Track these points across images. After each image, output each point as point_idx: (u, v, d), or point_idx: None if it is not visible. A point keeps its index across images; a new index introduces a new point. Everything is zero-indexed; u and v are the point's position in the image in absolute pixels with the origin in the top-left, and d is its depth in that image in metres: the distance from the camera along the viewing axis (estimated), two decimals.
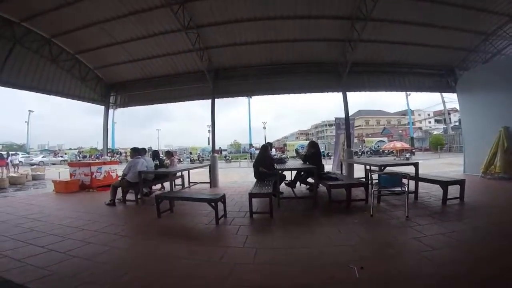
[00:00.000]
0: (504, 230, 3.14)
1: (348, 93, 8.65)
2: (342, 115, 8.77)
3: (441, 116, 46.03)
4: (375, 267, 2.33)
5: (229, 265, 2.48)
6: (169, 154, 8.36)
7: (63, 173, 9.88)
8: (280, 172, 5.32)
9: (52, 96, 9.08)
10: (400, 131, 42.74)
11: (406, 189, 3.84)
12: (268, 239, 3.22)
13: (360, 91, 9.52)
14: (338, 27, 7.53)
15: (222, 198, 4.19)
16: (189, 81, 9.57)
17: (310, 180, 5.90)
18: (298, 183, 6.14)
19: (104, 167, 8.29)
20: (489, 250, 2.59)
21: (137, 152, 6.10)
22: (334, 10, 6.99)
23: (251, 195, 4.23)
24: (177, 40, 7.92)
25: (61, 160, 30.88)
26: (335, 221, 3.79)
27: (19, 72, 7.71)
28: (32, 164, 22.71)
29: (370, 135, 45.12)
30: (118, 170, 8.46)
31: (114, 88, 10.68)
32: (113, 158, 16.01)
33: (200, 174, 8.73)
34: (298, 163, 6.64)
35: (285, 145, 36.23)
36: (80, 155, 33.37)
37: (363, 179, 6.52)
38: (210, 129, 9.37)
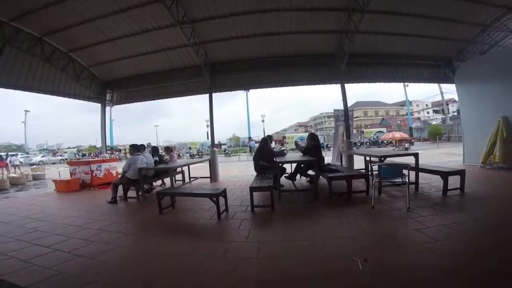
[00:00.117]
0: (504, 220, 3.15)
1: (346, 85, 8.61)
2: (341, 107, 8.75)
3: (439, 107, 46.08)
4: (378, 259, 2.35)
5: (232, 260, 2.49)
6: (169, 149, 8.32)
7: (63, 172, 9.88)
8: (280, 165, 5.32)
9: (48, 96, 9.02)
10: (399, 122, 42.85)
11: (407, 180, 3.84)
12: (270, 232, 3.24)
13: (358, 82, 9.52)
14: (334, 18, 7.45)
15: (223, 193, 4.19)
16: (185, 76, 9.49)
17: (310, 172, 5.92)
18: (298, 175, 6.16)
19: (104, 164, 8.28)
20: (489, 242, 2.60)
21: (136, 148, 6.08)
22: (330, 1, 6.91)
23: (252, 189, 4.24)
24: (172, 36, 7.82)
25: (60, 159, 30.84)
26: (336, 213, 3.81)
27: (11, 73, 7.61)
28: (31, 164, 22.66)
29: (368, 126, 45.22)
30: (118, 168, 8.45)
31: (109, 86, 10.58)
32: (112, 156, 16.03)
33: (200, 169, 8.74)
34: (297, 155, 6.64)
35: (284, 137, 36.27)
36: (79, 154, 33.38)
37: (363, 170, 6.54)
38: (209, 123, 9.34)
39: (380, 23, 7.66)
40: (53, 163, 27.97)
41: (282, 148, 18.09)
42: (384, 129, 33.97)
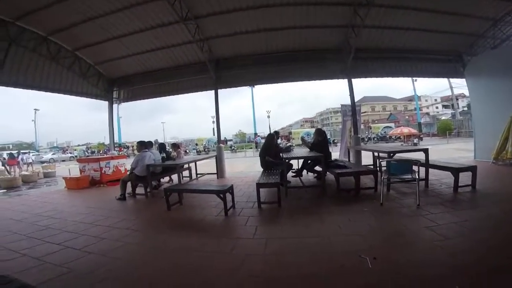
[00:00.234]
0: None
1: (353, 80, 8.49)
2: (348, 102, 8.65)
3: (449, 102, 45.14)
4: (387, 257, 2.32)
5: (240, 256, 2.50)
6: (176, 146, 8.40)
7: (73, 169, 10.05)
8: (287, 161, 5.30)
9: (55, 94, 9.14)
10: (407, 117, 42.10)
11: (417, 177, 3.77)
12: (277, 229, 3.24)
13: (365, 77, 9.34)
14: (340, 13, 7.31)
15: (230, 189, 4.19)
16: (191, 73, 9.48)
17: (317, 168, 5.88)
18: (305, 171, 6.13)
19: (113, 161, 8.40)
20: (501, 239, 2.55)
21: (143, 145, 6.13)
22: None
23: (259, 185, 4.23)
24: (176, 32, 7.81)
25: (70, 157, 31.47)
26: (344, 209, 3.78)
27: (18, 72, 7.70)
28: (42, 162, 23.16)
29: (376, 121, 44.62)
30: (127, 164, 8.56)
31: (116, 83, 10.66)
32: (120, 153, 16.23)
33: (206, 165, 8.78)
34: (304, 151, 6.60)
35: (290, 133, 36.12)
36: (89, 151, 33.95)
37: (371, 166, 6.47)
38: (215, 119, 9.35)
39: (387, 17, 7.49)
40: (63, 161, 28.57)
41: (288, 144, 18.04)
42: (392, 124, 33.48)
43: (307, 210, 3.94)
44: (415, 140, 19.86)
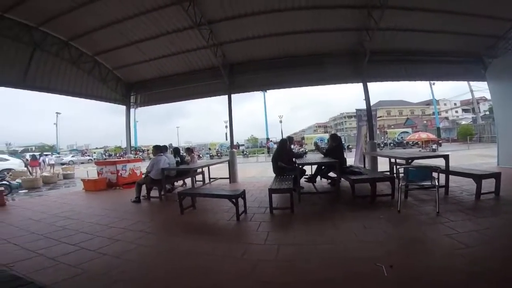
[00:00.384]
0: None
1: (368, 84, 8.32)
2: (363, 106, 8.50)
3: (469, 105, 43.49)
4: (404, 265, 2.23)
5: (251, 262, 2.48)
6: (190, 150, 8.51)
7: (91, 172, 10.36)
8: (300, 166, 5.23)
9: (75, 98, 9.44)
10: (425, 122, 40.88)
11: (437, 183, 3.62)
12: (290, 235, 3.18)
13: (381, 81, 9.14)
14: (353, 16, 7.19)
15: (242, 194, 4.18)
16: (205, 78, 9.59)
17: (331, 174, 5.77)
18: (318, 177, 6.04)
19: (129, 165, 8.60)
20: None
21: (159, 149, 6.25)
22: None
23: (271, 191, 4.20)
24: (190, 38, 7.94)
25: (88, 159, 32.54)
26: (360, 216, 3.68)
27: (42, 76, 8.03)
28: (62, 164, 24.06)
29: (392, 126, 43.51)
30: (142, 168, 8.74)
31: (133, 88, 10.94)
32: (136, 156, 16.61)
33: (219, 169, 8.83)
34: (318, 156, 6.51)
35: (303, 138, 35.83)
36: (106, 154, 35.01)
37: (388, 173, 6.28)
38: (228, 124, 9.41)
39: (402, 19, 7.28)
40: (82, 163, 29.56)
41: (301, 149, 17.87)
42: (409, 130, 32.58)
43: (321, 217, 3.86)
44: (434, 146, 19.19)
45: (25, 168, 12.70)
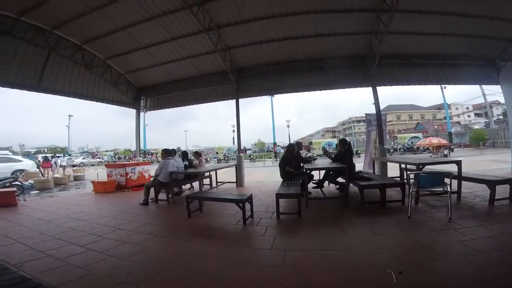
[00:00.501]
0: None
1: (377, 88, 8.21)
2: (372, 111, 8.39)
3: (482, 110, 42.47)
4: (414, 271, 2.19)
5: (256, 267, 2.46)
6: (198, 154, 8.57)
7: (101, 174, 10.53)
8: (308, 172, 5.17)
9: (87, 101, 9.64)
10: (436, 126, 40.08)
11: (449, 189, 3.53)
12: (297, 240, 3.13)
13: (391, 85, 8.99)
14: (362, 19, 7.16)
15: (249, 199, 4.17)
16: (213, 82, 9.70)
17: (340, 179, 5.70)
18: (326, 182, 5.96)
19: (138, 167, 8.70)
20: None
21: (168, 153, 6.31)
22: (356, 2, 6.64)
23: (278, 196, 4.17)
24: (199, 42, 8.05)
25: (99, 161, 33.15)
26: (369, 222, 3.60)
27: (57, 79, 8.24)
28: (73, 166, 24.57)
29: (402, 131, 42.80)
30: (151, 170, 8.83)
31: (144, 92, 11.13)
32: (145, 159, 16.81)
33: (226, 173, 8.84)
34: (326, 162, 6.44)
35: (310, 143, 35.56)
36: (116, 157, 35.58)
37: (397, 179, 6.16)
38: (235, 128, 9.43)
39: (412, 22, 7.21)
40: (92, 165, 30.14)
41: (308, 154, 17.71)
42: (419, 134, 31.91)
43: (329, 222, 3.80)
44: (446, 151, 18.73)
45: (38, 170, 13.02)
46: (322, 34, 7.77)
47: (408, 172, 5.11)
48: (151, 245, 3.18)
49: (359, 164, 8.21)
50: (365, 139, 9.77)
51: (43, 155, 20.48)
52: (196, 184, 7.05)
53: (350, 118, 70.43)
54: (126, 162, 10.81)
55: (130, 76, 10.46)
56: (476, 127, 34.23)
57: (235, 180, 8.10)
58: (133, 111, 11.15)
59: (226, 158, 27.87)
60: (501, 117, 33.65)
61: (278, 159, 7.86)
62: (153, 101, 11.31)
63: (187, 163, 7.04)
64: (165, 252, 2.99)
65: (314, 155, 20.62)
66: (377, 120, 8.21)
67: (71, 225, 4.18)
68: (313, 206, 4.65)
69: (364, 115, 9.61)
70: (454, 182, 4.30)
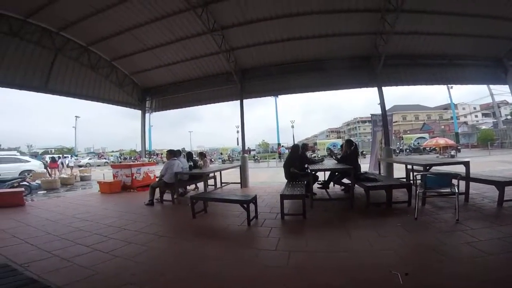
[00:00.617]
0: None
1: (383, 88, 8.13)
2: (377, 111, 8.31)
3: (490, 110, 41.82)
4: (421, 272, 2.16)
5: (260, 268, 2.45)
6: (202, 155, 8.61)
7: (107, 174, 10.63)
8: (313, 173, 5.15)
9: (93, 102, 9.73)
10: (443, 127, 39.59)
11: (456, 190, 3.48)
12: (301, 241, 3.12)
13: (396, 85, 8.90)
14: (367, 20, 7.10)
15: (254, 199, 4.16)
16: (217, 83, 9.72)
17: (345, 180, 5.66)
18: (331, 183, 5.92)
19: (143, 168, 8.75)
20: None
21: (173, 154, 6.35)
22: (361, 2, 6.60)
23: (283, 197, 4.15)
24: (204, 43, 8.07)
25: (105, 162, 33.48)
26: (374, 224, 3.57)
27: (63, 80, 8.34)
28: (80, 166, 24.86)
29: (408, 132, 42.35)
30: (156, 171, 8.88)
31: (149, 93, 11.19)
32: (150, 160, 16.93)
33: (230, 174, 8.84)
34: (331, 163, 6.40)
35: (315, 144, 35.41)
36: (121, 157, 35.91)
37: (404, 180, 6.09)
38: (239, 129, 9.44)
39: (418, 22, 7.14)
40: (98, 165, 30.51)
41: (313, 155, 17.63)
42: (425, 135, 31.53)
43: (334, 223, 3.77)
44: (452, 152, 18.46)
45: (45, 170, 13.19)
46: (326, 35, 7.73)
47: (415, 173, 5.04)
48: (156, 245, 3.20)
49: (365, 165, 8.15)
50: (371, 140, 9.68)
51: (51, 155, 20.77)
52: (201, 185, 7.07)
53: (355, 118, 70.02)
54: (131, 163, 10.88)
55: (135, 77, 10.54)
56: (483, 127, 33.72)
57: (239, 181, 8.09)
58: (137, 112, 11.24)
59: (230, 159, 27.94)
60: (509, 117, 33.14)
61: (283, 160, 7.84)
62: (158, 102, 11.38)
63: (192, 163, 7.07)
64: (169, 253, 3.00)
65: (319, 156, 20.57)
66: (383, 121, 8.13)
67: (78, 225, 4.22)
68: (318, 207, 4.63)
69: (370, 116, 9.53)
70: (462, 183, 4.24)
